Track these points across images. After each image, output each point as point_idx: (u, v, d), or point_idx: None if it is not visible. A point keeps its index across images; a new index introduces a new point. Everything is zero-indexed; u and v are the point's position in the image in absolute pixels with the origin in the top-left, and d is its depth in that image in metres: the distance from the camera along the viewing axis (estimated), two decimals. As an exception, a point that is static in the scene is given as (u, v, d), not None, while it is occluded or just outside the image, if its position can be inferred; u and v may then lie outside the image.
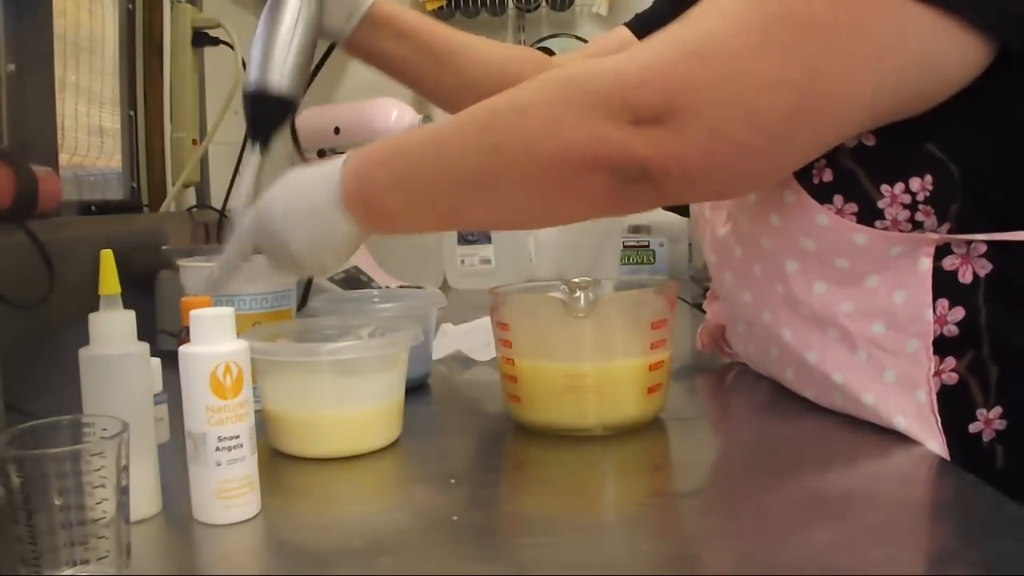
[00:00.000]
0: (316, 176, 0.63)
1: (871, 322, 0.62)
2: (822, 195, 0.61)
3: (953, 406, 0.60)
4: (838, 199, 0.61)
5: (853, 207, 0.60)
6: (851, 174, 0.60)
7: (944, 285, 0.59)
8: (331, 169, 0.63)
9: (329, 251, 0.64)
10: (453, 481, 0.58)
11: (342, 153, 1.46)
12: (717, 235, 0.77)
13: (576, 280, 0.66)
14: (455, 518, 0.52)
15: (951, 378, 0.60)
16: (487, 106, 0.59)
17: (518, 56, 0.94)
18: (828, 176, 0.61)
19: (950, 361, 0.60)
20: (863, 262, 0.61)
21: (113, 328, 0.50)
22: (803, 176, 0.62)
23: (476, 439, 0.71)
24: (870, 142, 0.59)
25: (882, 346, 0.62)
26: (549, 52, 1.16)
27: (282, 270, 0.68)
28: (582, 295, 0.65)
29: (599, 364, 0.66)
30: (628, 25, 0.96)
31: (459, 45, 0.90)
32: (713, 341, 0.88)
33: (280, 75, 0.76)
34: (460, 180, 0.59)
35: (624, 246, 1.87)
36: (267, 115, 0.76)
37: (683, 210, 1.82)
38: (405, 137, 0.63)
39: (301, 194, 0.64)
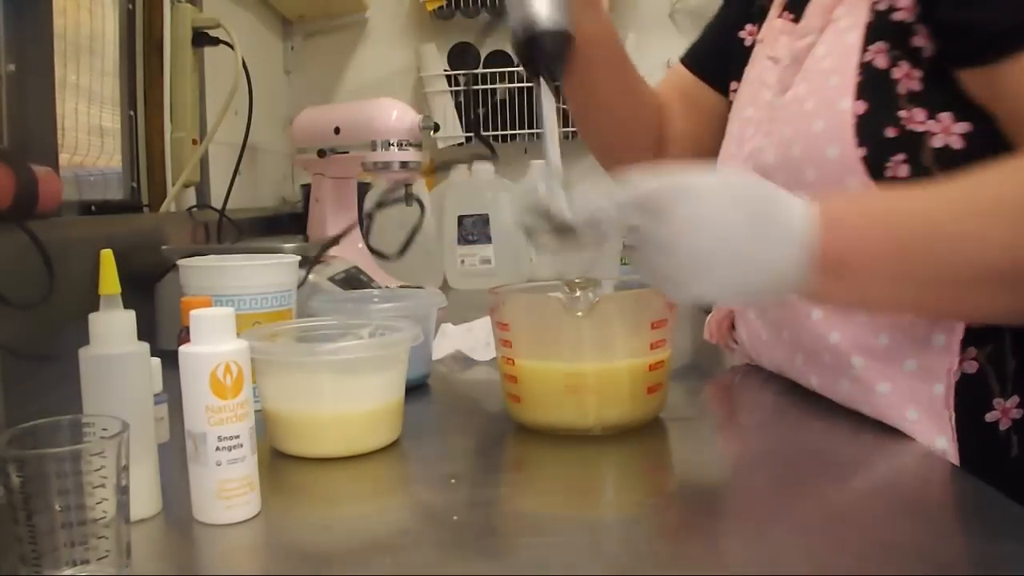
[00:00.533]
0: (767, 200, 0.53)
1: None
2: None
3: (971, 394, 0.60)
4: None
5: None
6: (927, 174, 0.59)
7: None
8: (793, 208, 0.53)
9: (741, 292, 0.55)
10: (453, 481, 0.58)
11: (343, 153, 1.45)
12: None
13: (576, 280, 0.66)
14: (455, 518, 0.52)
15: (971, 366, 0.61)
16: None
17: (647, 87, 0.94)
18: (903, 172, 0.60)
19: (971, 351, 0.60)
20: None
21: (113, 328, 0.50)
22: (876, 167, 0.61)
23: (476, 439, 0.70)
24: (958, 146, 0.59)
25: (909, 334, 0.62)
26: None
27: (643, 270, 0.56)
28: (582, 295, 0.65)
29: (599, 364, 0.66)
30: (683, 61, 0.96)
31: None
32: (720, 332, 0.88)
33: (554, 6, 0.70)
34: (971, 271, 0.53)
35: (624, 246, 1.87)
36: (553, 49, 0.70)
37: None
38: (893, 203, 0.56)
39: (749, 215, 0.52)
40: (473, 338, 0.99)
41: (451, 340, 1.00)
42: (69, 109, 1.08)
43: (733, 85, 0.86)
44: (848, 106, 0.62)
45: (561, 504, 0.56)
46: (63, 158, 1.04)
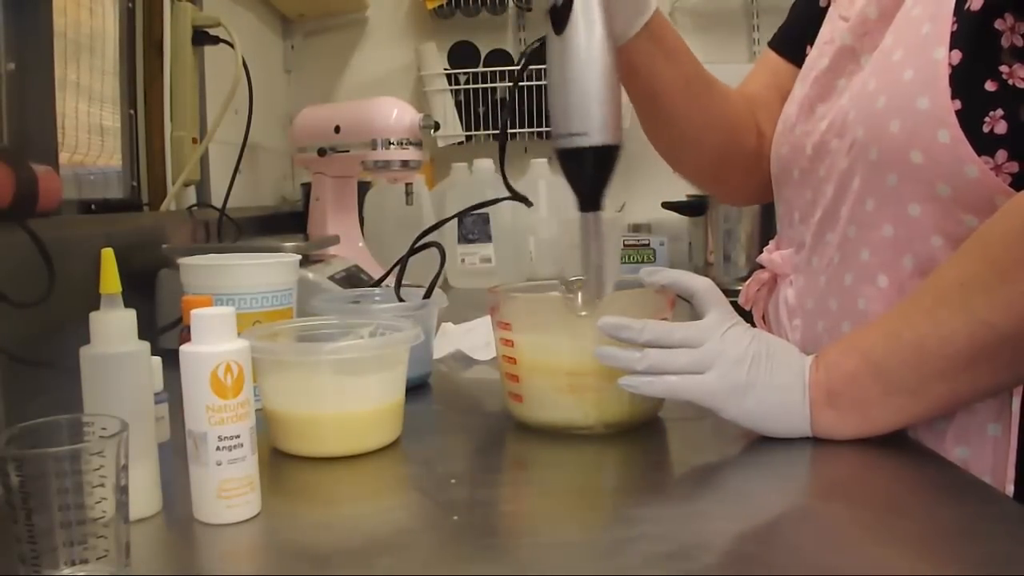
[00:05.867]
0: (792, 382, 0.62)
1: None
2: (984, 145, 0.57)
3: None
4: (1001, 154, 0.57)
5: (1014, 167, 0.57)
6: None
7: None
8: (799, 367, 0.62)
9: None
10: (453, 481, 0.58)
11: (343, 152, 1.45)
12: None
13: (576, 279, 0.66)
14: (455, 518, 0.52)
15: None
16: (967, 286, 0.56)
17: (735, 97, 0.89)
18: (1001, 128, 0.57)
19: None
20: None
21: (114, 327, 0.50)
22: (971, 121, 0.58)
23: (476, 439, 0.70)
24: None
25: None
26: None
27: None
28: (582, 294, 0.65)
29: (600, 363, 0.66)
30: (771, 45, 0.91)
31: (711, 79, 0.85)
32: (757, 300, 0.85)
33: (616, 121, 0.64)
34: (946, 362, 0.57)
35: (624, 245, 1.87)
36: (610, 169, 0.65)
37: (684, 209, 1.83)
38: (872, 335, 0.61)
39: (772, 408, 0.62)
40: (473, 338, 0.99)
41: (451, 340, 1.00)
42: (69, 108, 1.08)
43: (808, 50, 0.82)
44: (942, 56, 0.59)
45: (561, 504, 0.56)
46: (63, 157, 1.04)
